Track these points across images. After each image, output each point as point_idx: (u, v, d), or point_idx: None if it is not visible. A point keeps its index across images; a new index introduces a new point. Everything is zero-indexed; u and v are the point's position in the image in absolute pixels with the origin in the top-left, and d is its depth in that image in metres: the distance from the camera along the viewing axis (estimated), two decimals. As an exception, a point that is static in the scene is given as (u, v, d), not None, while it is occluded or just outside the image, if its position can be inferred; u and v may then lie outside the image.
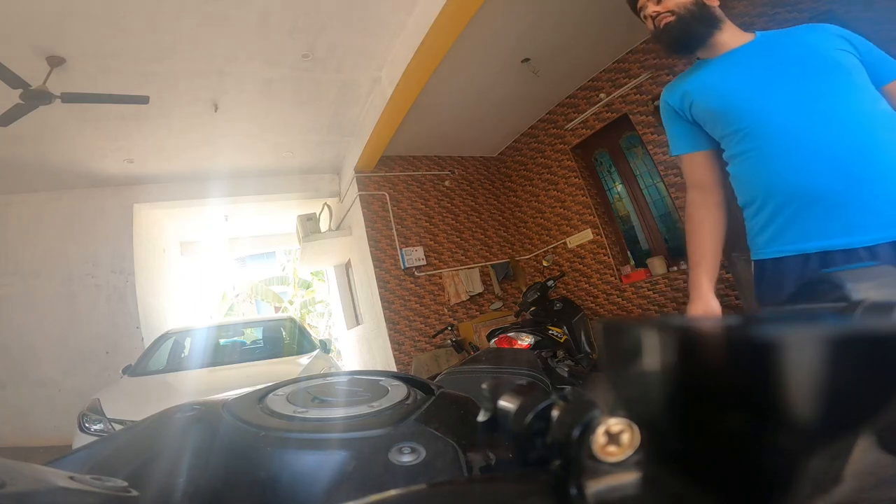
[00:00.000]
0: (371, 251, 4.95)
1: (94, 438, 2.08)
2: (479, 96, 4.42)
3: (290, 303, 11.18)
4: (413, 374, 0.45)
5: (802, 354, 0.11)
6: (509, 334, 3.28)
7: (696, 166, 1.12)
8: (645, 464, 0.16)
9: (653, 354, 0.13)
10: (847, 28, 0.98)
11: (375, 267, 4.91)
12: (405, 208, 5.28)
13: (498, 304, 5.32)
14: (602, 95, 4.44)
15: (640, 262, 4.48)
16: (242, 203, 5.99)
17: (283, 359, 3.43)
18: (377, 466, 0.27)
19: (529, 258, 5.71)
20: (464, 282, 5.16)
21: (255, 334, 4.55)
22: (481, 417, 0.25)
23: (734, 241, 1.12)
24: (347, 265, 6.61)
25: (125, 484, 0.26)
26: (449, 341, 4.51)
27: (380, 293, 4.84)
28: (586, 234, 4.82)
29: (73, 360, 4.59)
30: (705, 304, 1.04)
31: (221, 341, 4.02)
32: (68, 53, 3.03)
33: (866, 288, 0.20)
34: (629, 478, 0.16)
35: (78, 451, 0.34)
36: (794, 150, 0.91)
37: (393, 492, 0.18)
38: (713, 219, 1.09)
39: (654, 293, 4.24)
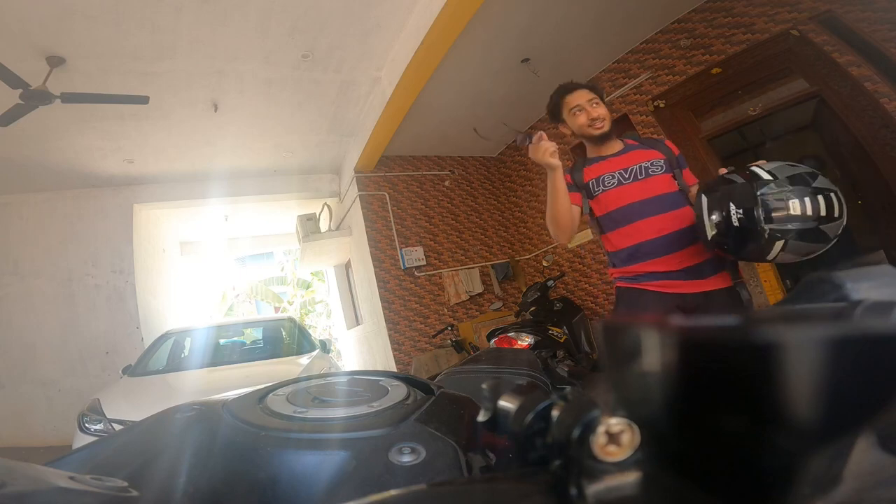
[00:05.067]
0: (371, 251, 4.94)
1: (94, 438, 2.07)
2: (479, 96, 4.41)
3: (290, 303, 11.17)
4: (413, 374, 0.45)
5: (802, 354, 0.11)
6: (509, 334, 3.27)
7: None
8: (645, 464, 0.16)
9: (653, 354, 0.13)
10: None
11: (375, 267, 4.90)
12: (405, 208, 5.27)
13: (498, 304, 5.32)
14: (602, 95, 4.43)
15: (640, 263, 4.47)
16: (242, 203, 5.99)
17: (283, 359, 3.43)
18: (377, 466, 0.27)
19: (529, 258, 5.70)
20: (464, 282, 5.16)
21: (255, 334, 4.54)
22: (481, 417, 0.25)
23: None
24: (347, 265, 6.61)
25: (125, 484, 0.26)
26: (449, 341, 4.51)
27: (380, 293, 4.84)
28: (586, 234, 4.81)
29: (73, 360, 4.59)
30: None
31: (221, 341, 4.02)
32: (68, 53, 3.03)
33: (866, 288, 0.20)
34: (629, 478, 0.16)
35: (78, 451, 0.34)
36: None
37: (393, 492, 0.18)
38: None
39: (654, 293, 4.23)
